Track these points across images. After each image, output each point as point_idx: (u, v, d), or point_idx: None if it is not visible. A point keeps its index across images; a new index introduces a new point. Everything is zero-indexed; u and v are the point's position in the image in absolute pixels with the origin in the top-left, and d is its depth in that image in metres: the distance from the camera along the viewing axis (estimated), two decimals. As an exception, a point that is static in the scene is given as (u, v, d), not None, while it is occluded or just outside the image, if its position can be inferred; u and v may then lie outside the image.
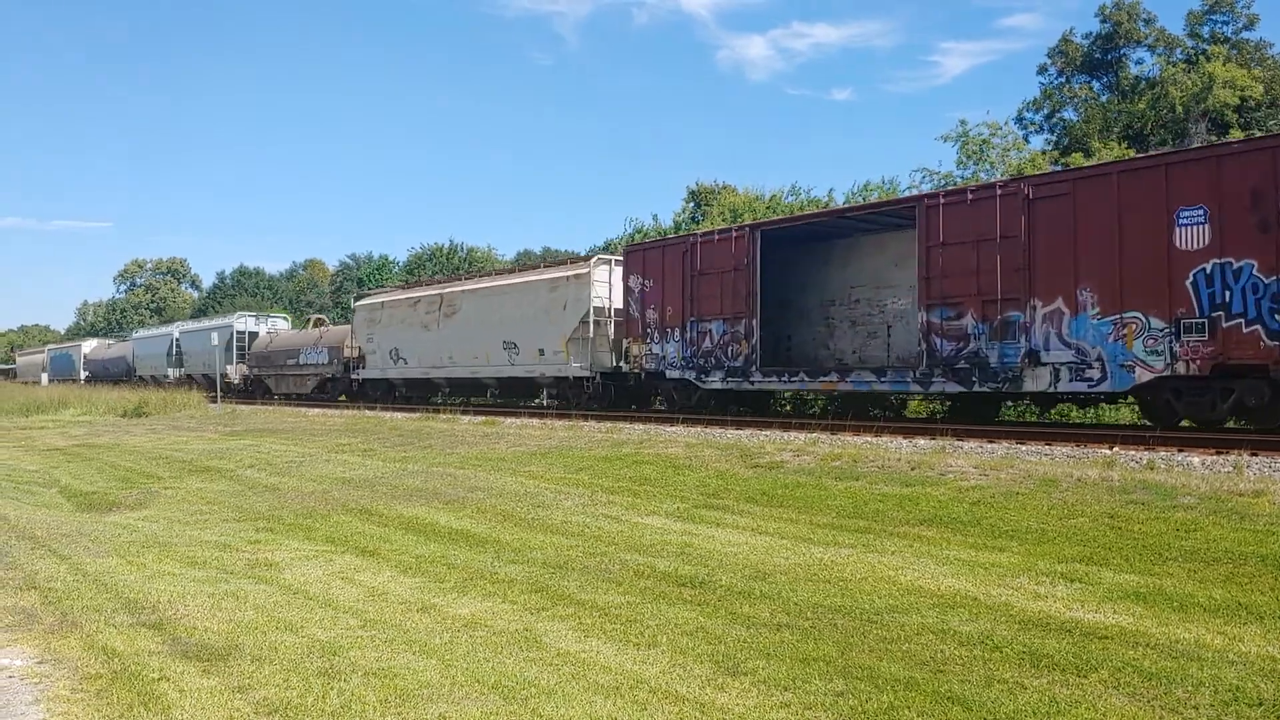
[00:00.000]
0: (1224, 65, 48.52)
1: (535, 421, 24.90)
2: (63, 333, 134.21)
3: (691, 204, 52.81)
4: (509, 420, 25.76)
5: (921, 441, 16.27)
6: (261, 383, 48.26)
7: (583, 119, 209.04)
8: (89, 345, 78.43)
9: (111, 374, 67.67)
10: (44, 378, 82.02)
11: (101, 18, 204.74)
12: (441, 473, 17.33)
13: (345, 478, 17.90)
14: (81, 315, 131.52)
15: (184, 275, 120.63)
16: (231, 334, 50.47)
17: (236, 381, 49.46)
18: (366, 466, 19.03)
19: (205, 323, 58.43)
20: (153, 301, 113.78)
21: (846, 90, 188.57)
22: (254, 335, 50.45)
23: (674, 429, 20.69)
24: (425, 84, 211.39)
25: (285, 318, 57.00)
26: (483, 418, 26.91)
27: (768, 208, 42.27)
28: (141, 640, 7.46)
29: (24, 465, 23.85)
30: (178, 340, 57.53)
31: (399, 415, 30.50)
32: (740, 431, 19.39)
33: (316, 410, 36.33)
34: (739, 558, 10.10)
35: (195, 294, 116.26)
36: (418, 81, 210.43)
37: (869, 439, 16.98)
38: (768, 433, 18.88)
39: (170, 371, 57.62)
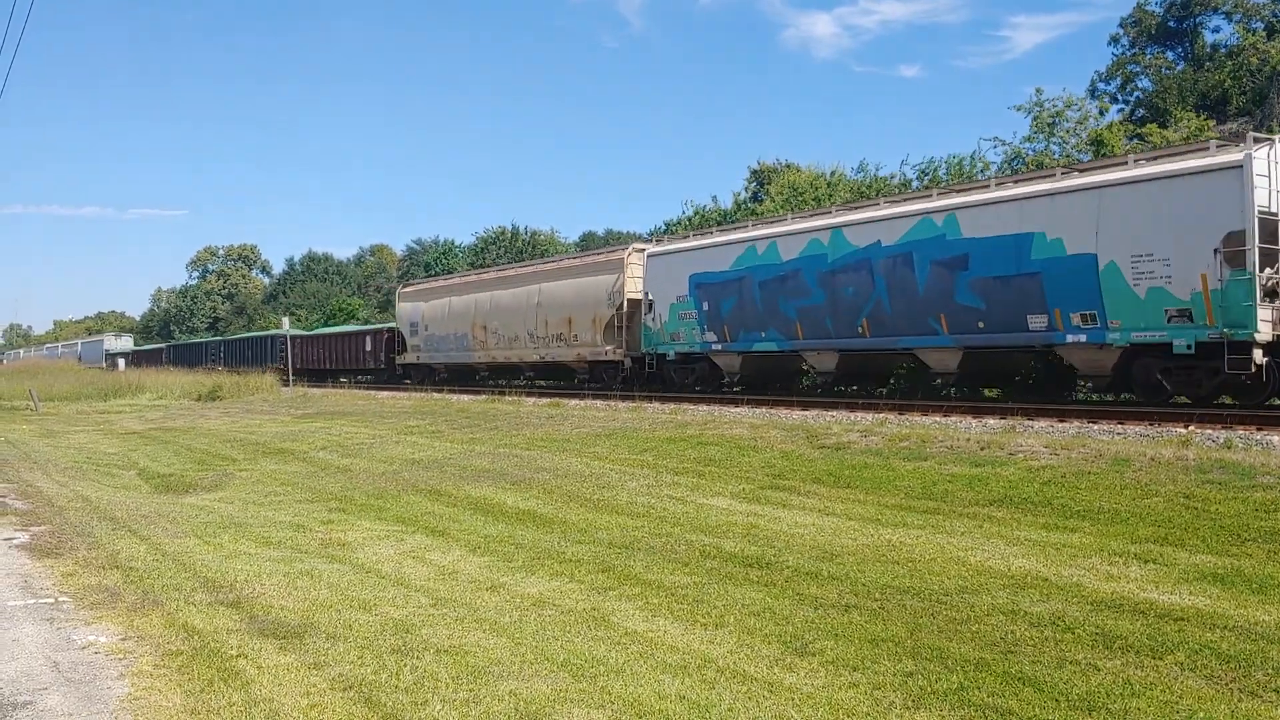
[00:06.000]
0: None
1: (599, 403, 24.97)
2: (138, 319, 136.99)
3: (754, 183, 52.46)
4: (573, 402, 25.88)
5: (991, 421, 16.07)
6: None
7: (646, 101, 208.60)
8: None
9: None
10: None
11: (172, 11, 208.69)
12: (508, 454, 17.49)
13: (414, 459, 18.14)
14: (156, 302, 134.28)
15: (255, 261, 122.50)
16: None
17: None
18: (435, 448, 19.27)
19: None
20: (225, 288, 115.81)
21: (914, 67, 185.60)
22: None
23: (738, 410, 20.64)
24: (490, 68, 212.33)
25: None
26: (547, 400, 27.08)
27: (829, 185, 41.83)
28: (220, 618, 7.64)
29: (103, 448, 24.50)
30: None
31: (465, 397, 30.80)
32: (806, 412, 19.29)
33: (386, 393, 36.84)
34: (806, 539, 10.07)
35: (266, 280, 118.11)
36: (482, 66, 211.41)
37: (937, 419, 16.80)
38: (834, 413, 18.76)
39: None
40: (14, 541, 10.78)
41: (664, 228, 49.59)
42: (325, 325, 70.56)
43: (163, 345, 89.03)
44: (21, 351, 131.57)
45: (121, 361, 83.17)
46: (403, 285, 46.42)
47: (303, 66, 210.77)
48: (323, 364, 50.60)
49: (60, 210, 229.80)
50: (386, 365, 43.67)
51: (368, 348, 45.38)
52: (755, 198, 48.54)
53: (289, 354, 52.67)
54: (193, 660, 6.50)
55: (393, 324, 45.36)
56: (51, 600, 8.16)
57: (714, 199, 48.74)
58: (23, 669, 6.31)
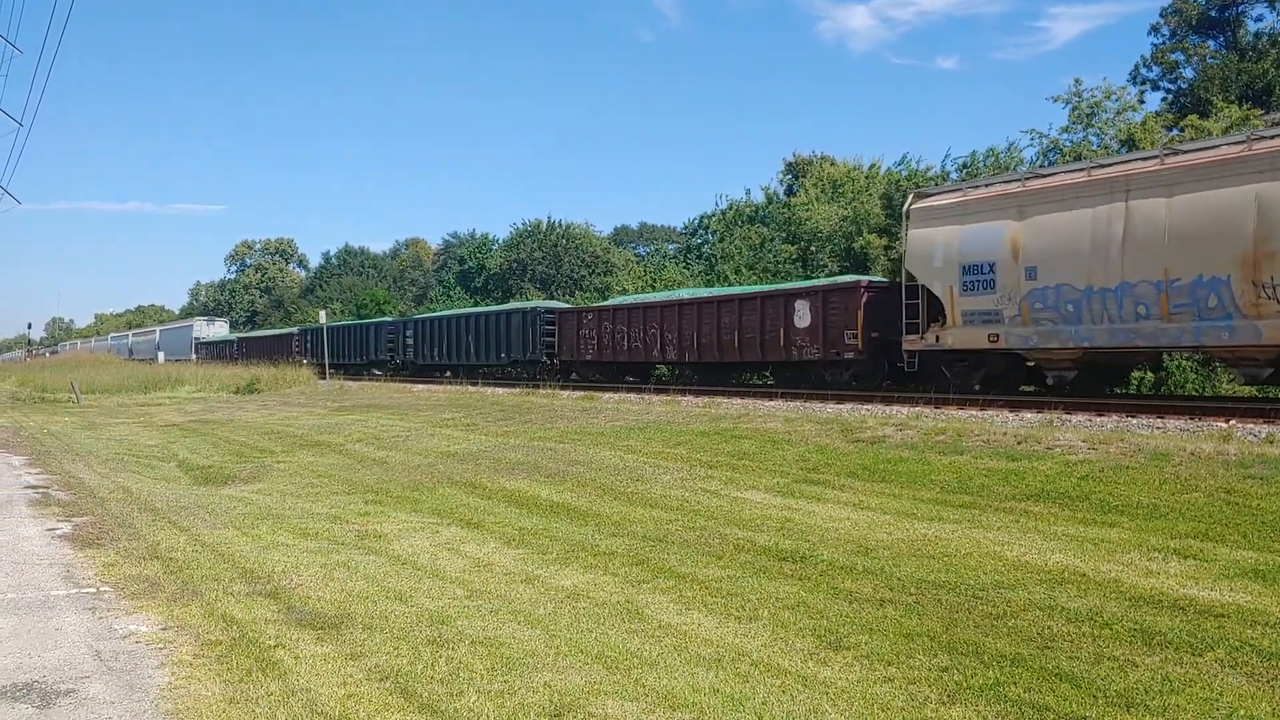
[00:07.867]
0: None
1: (633, 396, 25.01)
2: (177, 313, 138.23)
3: (789, 176, 52.16)
4: (606, 395, 25.94)
5: (1028, 415, 15.94)
6: None
7: (681, 94, 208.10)
8: None
9: None
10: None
11: (210, 10, 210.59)
12: (542, 447, 17.54)
13: (449, 452, 18.23)
14: (194, 296, 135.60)
15: (291, 255, 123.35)
16: None
17: None
18: (470, 441, 19.35)
19: None
20: (262, 282, 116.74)
21: (952, 59, 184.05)
22: None
23: (772, 404, 20.60)
24: (526, 62, 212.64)
25: None
26: (581, 393, 27.13)
27: (867, 178, 41.58)
28: (258, 608, 7.71)
29: (144, 440, 24.78)
30: None
31: (500, 390, 30.92)
32: (840, 406, 19.22)
33: (421, 386, 37.04)
34: (840, 533, 10.03)
35: (303, 274, 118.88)
36: (518, 60, 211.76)
37: (974, 413, 16.68)
38: (869, 407, 18.68)
39: None
40: (57, 532, 10.94)
41: (697, 221, 49.21)
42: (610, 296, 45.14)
43: (294, 330, 61.10)
44: (79, 343, 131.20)
45: (161, 355, 79.87)
46: (916, 196, 21.61)
47: (338, 62, 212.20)
48: (656, 353, 29.77)
49: (102, 206, 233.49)
50: (865, 354, 22.71)
51: (803, 323, 24.30)
52: (790, 191, 48.26)
53: (566, 337, 33.64)
54: (231, 650, 6.57)
55: (864, 278, 25.41)
56: (93, 590, 8.28)
57: (746, 193, 48.51)
58: (65, 657, 6.40)
